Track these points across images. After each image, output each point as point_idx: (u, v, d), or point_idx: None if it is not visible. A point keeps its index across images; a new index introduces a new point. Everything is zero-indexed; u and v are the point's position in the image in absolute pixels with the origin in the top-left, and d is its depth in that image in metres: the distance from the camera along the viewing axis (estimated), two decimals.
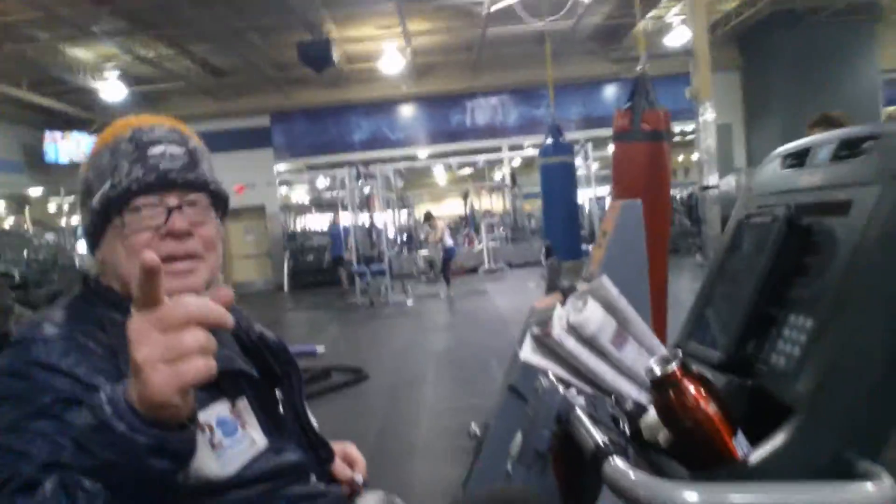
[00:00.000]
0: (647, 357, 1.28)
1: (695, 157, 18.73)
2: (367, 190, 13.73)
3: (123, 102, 13.99)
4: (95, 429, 0.63)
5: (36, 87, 13.52)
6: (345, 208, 13.94)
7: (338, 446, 1.17)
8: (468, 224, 17.91)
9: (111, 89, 13.66)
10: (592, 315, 1.22)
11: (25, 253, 13.19)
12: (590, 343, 1.24)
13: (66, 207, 16.27)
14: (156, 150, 0.92)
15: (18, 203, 17.18)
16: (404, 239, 14.64)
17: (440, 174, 24.17)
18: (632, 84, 4.97)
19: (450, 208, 23.84)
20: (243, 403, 0.95)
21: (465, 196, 18.99)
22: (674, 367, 0.98)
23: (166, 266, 0.91)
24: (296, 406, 1.08)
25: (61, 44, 12.03)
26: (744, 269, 1.23)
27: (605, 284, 1.26)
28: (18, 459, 0.70)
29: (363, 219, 14.41)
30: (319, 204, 17.98)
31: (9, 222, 16.95)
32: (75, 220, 14.59)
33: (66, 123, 15.32)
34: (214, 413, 0.90)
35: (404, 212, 20.02)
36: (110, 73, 13.52)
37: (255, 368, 1.03)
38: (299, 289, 15.06)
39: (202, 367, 0.63)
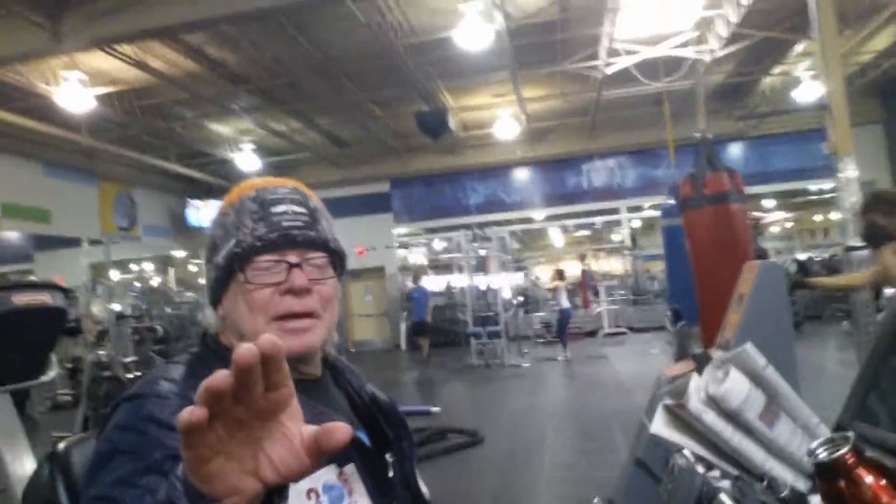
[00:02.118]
0: (804, 436, 1.12)
1: (835, 215, 17.50)
2: (482, 252, 13.79)
3: (256, 172, 15.09)
4: None
5: (181, 160, 14.92)
6: (460, 270, 14.04)
7: None
8: (585, 286, 17.48)
9: (246, 160, 14.80)
10: (736, 386, 1.08)
11: (168, 309, 14.30)
12: (734, 418, 1.10)
13: (204, 269, 17.57)
14: (278, 209, 0.94)
15: (164, 264, 18.76)
16: (520, 301, 14.49)
17: (556, 236, 23.99)
18: (694, 150, 5.00)
19: (566, 270, 23.48)
20: (351, 469, 0.91)
21: (582, 258, 18.63)
22: (845, 451, 0.82)
23: (284, 323, 0.91)
24: (406, 472, 1.04)
25: (204, 120, 13.24)
26: None
27: (749, 352, 1.12)
28: None
29: (479, 281, 14.40)
30: (436, 265, 18.27)
31: (156, 281, 18.48)
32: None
33: (207, 191, 16.71)
34: (321, 479, 0.87)
35: (520, 274, 19.89)
36: (246, 145, 14.69)
37: (366, 430, 1.01)
38: (417, 348, 15.20)
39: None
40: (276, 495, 0.56)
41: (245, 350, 0.49)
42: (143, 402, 0.82)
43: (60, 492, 0.91)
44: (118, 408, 0.85)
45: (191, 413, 0.49)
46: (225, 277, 0.94)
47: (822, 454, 0.84)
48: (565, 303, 12.16)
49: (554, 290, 12.48)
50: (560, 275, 12.84)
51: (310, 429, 0.53)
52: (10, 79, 9.58)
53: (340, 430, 0.52)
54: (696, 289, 4.86)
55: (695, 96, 12.02)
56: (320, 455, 0.52)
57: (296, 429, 0.53)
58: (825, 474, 0.84)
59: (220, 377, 0.49)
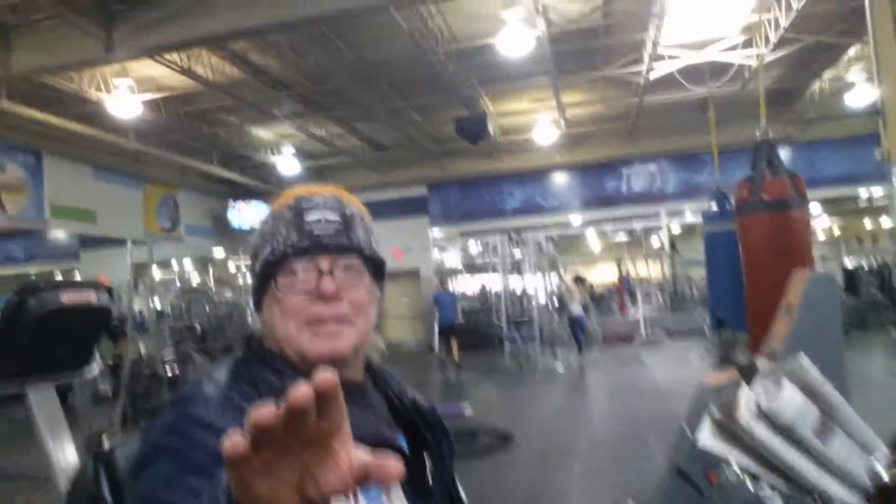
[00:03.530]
0: (861, 453, 1.07)
1: (885, 222, 16.98)
2: (518, 255, 13.72)
3: (296, 176, 15.30)
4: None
5: (224, 163, 15.23)
6: (496, 272, 14.00)
7: None
8: (622, 291, 17.28)
9: (287, 164, 15.03)
10: (791, 401, 1.04)
11: (207, 308, 14.58)
12: (787, 433, 1.06)
13: (243, 268, 17.86)
14: (312, 216, 0.95)
15: (204, 264, 19.15)
16: (556, 305, 14.38)
17: (594, 241, 23.77)
18: (753, 152, 4.78)
19: (602, 275, 23.28)
20: None
21: (619, 262, 18.42)
22: None
23: (315, 328, 0.91)
24: (445, 477, 1.03)
25: (246, 125, 13.48)
26: None
27: (805, 365, 1.07)
28: None
29: (514, 284, 14.34)
30: (472, 268, 18.27)
31: (195, 281, 18.88)
32: (250, 279, 16.00)
33: (248, 194, 17.02)
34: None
35: (556, 278, 19.76)
36: (286, 149, 14.91)
37: (406, 435, 1.01)
38: (448, 351, 15.21)
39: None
40: None
41: (299, 394, 0.47)
42: (188, 404, 0.83)
43: (104, 489, 0.93)
44: (164, 410, 0.86)
45: (233, 444, 0.48)
46: (262, 284, 0.96)
47: (884, 475, 0.80)
48: (577, 310, 11.98)
49: (568, 294, 12.30)
50: (577, 281, 12.66)
51: (361, 457, 0.51)
52: (64, 85, 9.90)
53: (393, 466, 0.51)
54: (748, 296, 4.67)
55: (741, 101, 11.80)
56: (367, 482, 0.51)
57: (345, 454, 0.51)
58: (886, 496, 0.80)
59: (269, 413, 0.47)
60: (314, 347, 0.91)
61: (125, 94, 9.99)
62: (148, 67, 9.75)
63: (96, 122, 11.16)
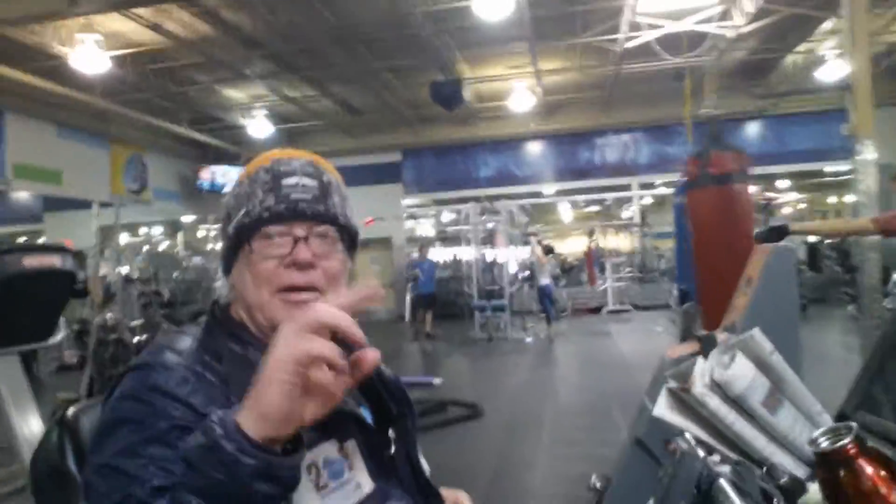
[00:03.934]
0: (807, 425, 1.12)
1: (849, 198, 17.31)
2: (490, 225, 13.76)
3: (268, 139, 15.04)
4: (206, 448, 0.64)
5: (194, 124, 14.87)
6: (468, 243, 14.02)
7: (449, 495, 1.10)
8: (591, 263, 17.44)
9: (258, 126, 14.74)
10: (742, 372, 1.08)
11: (175, 274, 14.38)
12: (737, 403, 1.10)
13: (212, 233, 17.62)
14: (290, 181, 0.93)
15: (173, 228, 18.84)
16: (526, 275, 14.48)
17: (566, 212, 23.88)
18: (700, 128, 5.04)
19: (573, 246, 23.45)
20: (352, 445, 0.92)
21: (591, 234, 18.57)
22: (847, 441, 0.82)
23: (286, 295, 0.91)
24: (408, 448, 1.04)
25: (217, 85, 13.17)
26: None
27: (757, 338, 1.11)
28: (131, 482, 0.72)
29: (486, 254, 14.39)
30: (444, 237, 18.28)
31: (163, 245, 18.59)
32: (220, 245, 15.78)
33: (218, 157, 16.70)
34: (322, 453, 0.87)
35: (527, 248, 19.86)
36: (258, 111, 14.61)
37: (370, 406, 1.01)
38: (420, 321, 15.27)
39: (323, 344, 0.66)
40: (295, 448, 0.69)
41: (371, 357, 0.73)
42: (149, 372, 0.83)
43: (69, 457, 0.92)
44: (124, 377, 0.85)
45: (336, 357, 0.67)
46: (234, 247, 0.94)
47: (824, 443, 0.84)
48: (545, 279, 12.01)
49: (539, 265, 12.29)
50: (545, 250, 12.59)
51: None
52: (27, 39, 9.54)
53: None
54: (697, 269, 4.84)
55: (715, 72, 11.84)
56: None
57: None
58: (826, 464, 0.84)
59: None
60: (286, 316, 0.91)
61: (91, 48, 9.65)
62: (115, 22, 9.43)
63: (61, 79, 10.79)
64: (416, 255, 13.57)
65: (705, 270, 4.64)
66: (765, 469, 1.06)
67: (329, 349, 0.65)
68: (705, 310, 4.41)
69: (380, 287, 0.72)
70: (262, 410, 0.64)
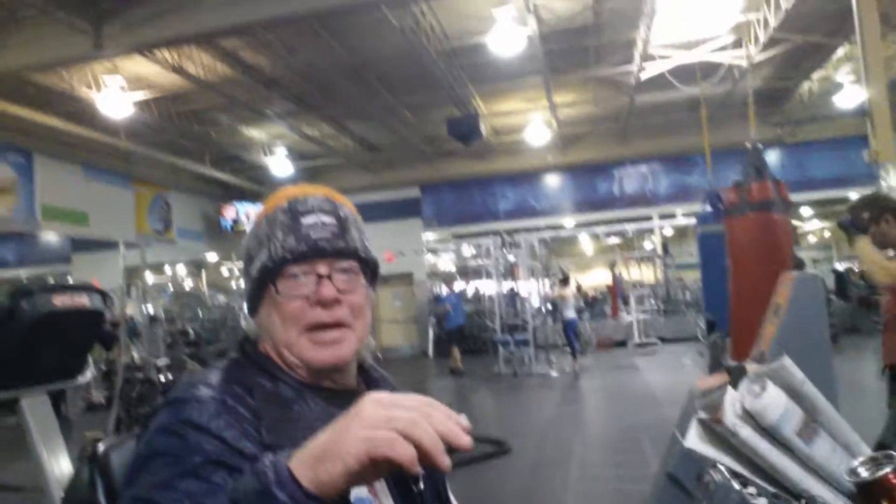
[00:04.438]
0: (844, 454, 1.09)
1: None
2: (511, 258, 13.74)
3: (289, 177, 15.29)
4: (258, 493, 0.63)
5: (216, 164, 15.19)
6: (489, 276, 13.99)
7: None
8: (616, 295, 17.28)
9: (279, 165, 15.00)
10: (774, 401, 1.06)
11: (200, 312, 14.52)
12: (771, 434, 1.08)
13: (236, 272, 17.82)
14: (308, 220, 0.94)
15: (197, 267, 19.08)
16: (549, 308, 14.35)
17: (586, 243, 23.80)
18: (741, 158, 5.06)
19: (596, 278, 23.30)
20: (381, 484, 0.91)
21: (612, 266, 18.43)
22: (889, 470, 0.80)
23: (314, 335, 0.92)
24: (436, 485, 1.02)
25: (238, 125, 13.46)
26: None
27: (787, 367, 1.09)
28: None
29: (507, 287, 14.33)
30: (465, 272, 18.30)
31: (188, 284, 18.80)
32: (243, 283, 15.93)
33: (240, 195, 16.97)
34: (353, 492, 0.86)
35: (549, 281, 19.77)
36: (279, 150, 14.89)
37: None
38: (444, 355, 15.18)
39: (404, 453, 0.60)
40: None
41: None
42: (183, 407, 0.83)
43: (100, 494, 0.93)
44: (158, 412, 0.86)
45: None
46: (259, 289, 0.95)
47: (864, 473, 0.82)
48: (570, 313, 11.86)
49: (561, 300, 12.15)
50: (565, 283, 12.44)
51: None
52: (54, 84, 9.86)
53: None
54: (732, 297, 4.78)
55: (732, 102, 11.85)
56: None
57: None
58: (866, 494, 0.82)
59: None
60: (316, 355, 0.92)
61: (116, 92, 9.95)
62: (138, 65, 9.73)
63: (87, 122, 11.12)
64: (442, 289, 13.48)
65: (741, 299, 4.58)
66: (803, 501, 1.03)
67: (409, 460, 0.61)
68: (739, 339, 4.36)
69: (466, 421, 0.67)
70: (320, 477, 0.62)
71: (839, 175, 14.52)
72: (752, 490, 1.10)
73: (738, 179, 4.88)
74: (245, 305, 1.02)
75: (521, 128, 14.34)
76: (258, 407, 0.86)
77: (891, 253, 2.75)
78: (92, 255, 16.52)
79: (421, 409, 0.63)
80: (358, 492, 0.87)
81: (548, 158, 16.09)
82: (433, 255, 18.62)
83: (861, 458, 0.85)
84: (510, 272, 14.11)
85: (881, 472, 0.80)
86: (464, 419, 0.65)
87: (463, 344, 12.53)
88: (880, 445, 1.14)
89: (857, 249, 2.78)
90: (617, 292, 17.15)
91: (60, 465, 2.93)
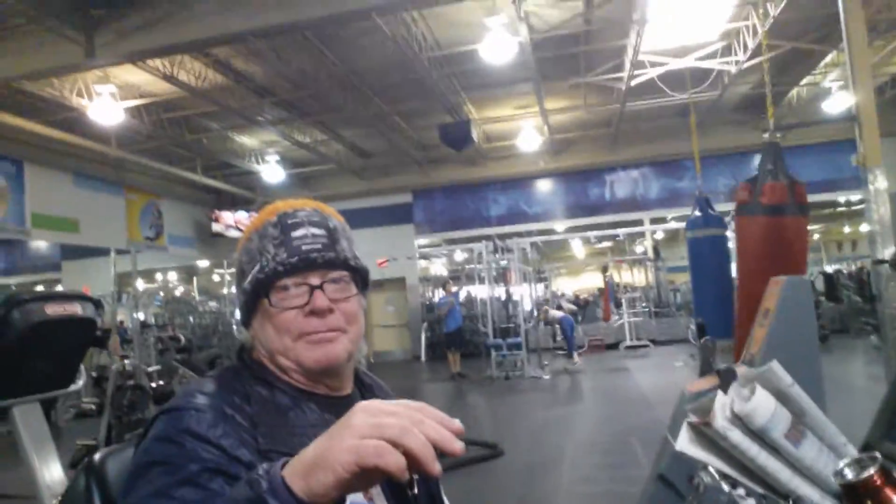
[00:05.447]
0: (831, 456, 1.11)
1: (864, 227, 17.20)
2: (503, 263, 13.76)
3: (281, 184, 15.26)
4: (251, 502, 0.64)
5: (207, 171, 15.15)
6: (481, 281, 14.01)
7: None
8: (608, 298, 17.35)
9: (271, 172, 14.98)
10: (762, 405, 1.08)
11: (192, 318, 14.46)
12: (760, 437, 1.09)
13: (227, 278, 17.76)
14: (298, 232, 0.97)
15: (188, 274, 19.01)
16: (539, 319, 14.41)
17: (578, 248, 23.87)
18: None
19: (588, 282, 23.37)
20: (376, 489, 0.92)
21: (604, 270, 18.50)
22: (872, 471, 0.82)
23: (308, 338, 0.93)
24: (431, 489, 1.04)
25: (230, 132, 13.44)
26: None
27: (775, 370, 1.11)
28: None
29: (500, 292, 14.36)
30: (457, 276, 18.31)
31: (179, 290, 18.73)
32: (236, 296, 15.87)
33: (232, 202, 16.92)
34: (349, 498, 0.88)
35: (541, 285, 19.81)
36: (271, 157, 14.86)
37: None
38: (436, 359, 15.18)
39: (393, 462, 0.60)
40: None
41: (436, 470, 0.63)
42: (181, 415, 0.84)
43: (97, 503, 0.93)
44: (156, 420, 0.87)
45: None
46: (252, 301, 0.98)
47: (849, 474, 0.84)
48: (556, 312, 12.02)
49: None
50: (560, 297, 12.80)
51: None
52: (45, 92, 9.82)
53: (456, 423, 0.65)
54: (738, 300, 4.55)
55: (721, 107, 11.92)
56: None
57: None
58: (852, 495, 0.84)
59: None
60: (310, 355, 0.94)
61: (107, 100, 9.92)
62: (130, 74, 9.71)
63: (78, 130, 11.08)
64: (437, 294, 13.47)
65: (747, 302, 4.28)
66: (791, 502, 1.05)
67: (398, 469, 0.60)
68: (740, 343, 4.16)
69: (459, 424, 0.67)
70: (312, 487, 0.62)
71: (827, 179, 14.65)
72: (741, 491, 1.12)
73: (753, 176, 4.63)
74: (238, 317, 1.04)
75: (512, 134, 14.39)
76: (255, 414, 0.88)
77: None
78: (83, 262, 16.43)
79: (412, 416, 0.63)
80: (354, 498, 0.88)
81: (539, 164, 16.14)
82: (425, 260, 18.61)
83: (847, 460, 0.87)
84: (502, 277, 14.12)
85: (866, 474, 0.82)
86: (456, 423, 0.65)
87: (462, 346, 12.55)
88: (866, 446, 1.16)
89: None
90: (609, 296, 17.20)
91: (52, 473, 2.91)
